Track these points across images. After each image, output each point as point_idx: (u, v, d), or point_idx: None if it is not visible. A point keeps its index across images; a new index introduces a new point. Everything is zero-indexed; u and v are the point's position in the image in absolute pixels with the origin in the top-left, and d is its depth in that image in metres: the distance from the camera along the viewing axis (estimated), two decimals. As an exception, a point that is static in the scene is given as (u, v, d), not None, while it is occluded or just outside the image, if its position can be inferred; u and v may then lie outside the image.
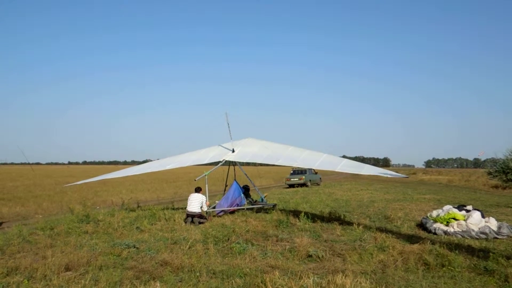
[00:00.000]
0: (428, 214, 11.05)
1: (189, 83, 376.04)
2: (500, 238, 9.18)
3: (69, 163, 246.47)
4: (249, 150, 14.37)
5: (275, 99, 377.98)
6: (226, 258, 7.52)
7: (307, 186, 31.49)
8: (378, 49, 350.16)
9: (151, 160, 16.53)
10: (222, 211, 13.22)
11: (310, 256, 7.52)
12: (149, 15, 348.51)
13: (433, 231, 9.93)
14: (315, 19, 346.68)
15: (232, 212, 13.61)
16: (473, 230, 9.42)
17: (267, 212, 13.43)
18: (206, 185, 13.19)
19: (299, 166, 12.65)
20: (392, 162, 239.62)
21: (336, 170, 11.25)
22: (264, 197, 15.45)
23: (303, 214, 11.68)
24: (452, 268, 6.60)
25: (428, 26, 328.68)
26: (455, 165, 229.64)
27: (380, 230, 9.92)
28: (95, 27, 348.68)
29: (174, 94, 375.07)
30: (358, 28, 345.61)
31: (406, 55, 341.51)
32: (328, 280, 5.83)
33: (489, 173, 31.94)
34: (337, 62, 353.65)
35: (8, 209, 16.52)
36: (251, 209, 13.87)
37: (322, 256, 7.48)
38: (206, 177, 13.16)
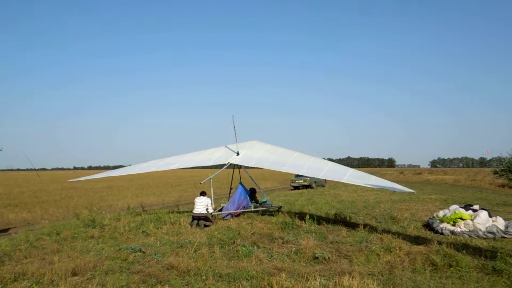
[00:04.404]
0: (435, 214, 10.99)
1: (193, 86, 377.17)
2: (508, 238, 9.11)
3: (75, 168, 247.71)
4: (254, 154, 14.33)
5: (278, 100, 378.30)
6: (232, 261, 7.52)
7: (312, 187, 31.45)
8: (381, 50, 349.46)
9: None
10: (228, 214, 13.23)
11: (316, 258, 7.49)
12: (151, 17, 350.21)
13: (440, 231, 9.87)
14: (317, 20, 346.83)
15: (238, 214, 13.61)
16: (480, 230, 9.36)
17: (272, 215, 13.43)
18: (211, 188, 13.20)
19: (305, 174, 12.61)
20: (397, 163, 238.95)
21: (342, 181, 11.19)
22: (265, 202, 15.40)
23: (308, 216, 11.66)
24: (459, 268, 6.56)
25: (430, 27, 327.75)
26: (461, 165, 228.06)
27: (387, 231, 9.88)
28: (97, 31, 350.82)
29: (179, 97, 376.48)
30: (360, 29, 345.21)
31: (410, 55, 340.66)
32: (335, 282, 5.81)
33: (495, 172, 31.79)
34: (340, 64, 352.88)
35: (14, 215, 16.63)
36: (257, 211, 13.86)
37: (329, 257, 7.46)
38: (211, 180, 13.17)
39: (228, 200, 14.18)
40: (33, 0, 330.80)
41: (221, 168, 14.51)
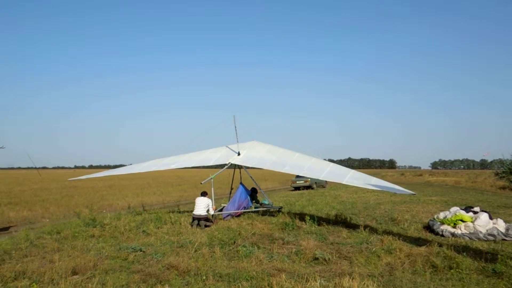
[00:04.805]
0: (435, 216, 10.97)
1: (193, 86, 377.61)
2: (509, 240, 9.09)
3: (76, 167, 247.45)
4: (255, 154, 14.32)
5: (279, 101, 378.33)
6: (232, 261, 7.52)
7: (312, 188, 31.45)
8: (382, 51, 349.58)
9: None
10: (229, 214, 13.22)
11: (316, 258, 7.49)
12: (151, 17, 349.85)
13: (440, 233, 9.86)
14: (317, 20, 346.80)
15: (238, 215, 13.61)
16: (480, 232, 9.34)
17: (273, 215, 13.42)
18: (212, 188, 13.20)
19: (306, 175, 12.60)
20: (398, 164, 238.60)
21: (343, 183, 11.16)
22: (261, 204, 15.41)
23: (308, 217, 11.65)
24: (460, 270, 6.55)
25: (432, 28, 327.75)
26: (462, 166, 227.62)
27: (387, 232, 9.86)
28: (98, 30, 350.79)
29: (180, 97, 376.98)
30: (361, 30, 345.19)
31: (411, 57, 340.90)
32: (335, 283, 5.81)
33: (496, 174, 31.75)
34: (341, 65, 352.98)
35: (15, 213, 16.65)
36: (257, 211, 13.86)
37: (329, 258, 7.46)
38: (212, 180, 13.18)
39: (229, 200, 14.18)
40: (34, 0, 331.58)
41: (222, 168, 14.51)
